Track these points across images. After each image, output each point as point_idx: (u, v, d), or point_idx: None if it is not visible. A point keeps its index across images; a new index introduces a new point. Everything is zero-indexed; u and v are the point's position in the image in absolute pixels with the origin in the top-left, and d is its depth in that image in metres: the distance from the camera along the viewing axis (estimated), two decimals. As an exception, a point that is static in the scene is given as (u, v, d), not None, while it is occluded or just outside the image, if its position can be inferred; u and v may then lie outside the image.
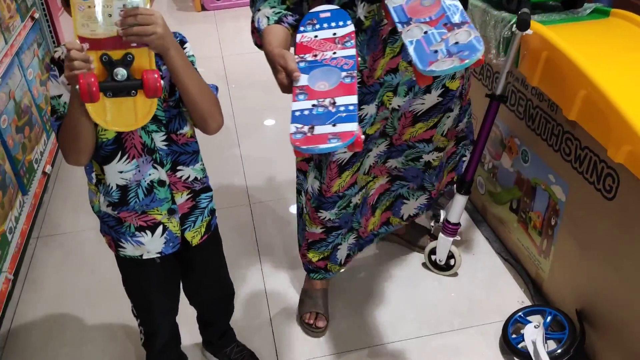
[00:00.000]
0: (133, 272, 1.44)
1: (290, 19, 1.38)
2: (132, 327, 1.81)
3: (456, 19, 1.18)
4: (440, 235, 1.97)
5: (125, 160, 1.23)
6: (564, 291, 1.80)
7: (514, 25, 1.64)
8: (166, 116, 1.24)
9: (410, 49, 1.16)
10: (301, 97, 1.15)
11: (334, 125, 1.08)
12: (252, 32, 1.46)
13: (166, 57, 1.12)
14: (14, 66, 2.42)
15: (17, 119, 2.37)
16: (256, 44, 1.46)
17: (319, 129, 1.08)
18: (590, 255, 1.64)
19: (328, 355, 1.81)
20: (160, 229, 1.33)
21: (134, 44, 1.05)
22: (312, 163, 1.70)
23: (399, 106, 1.63)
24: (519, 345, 1.74)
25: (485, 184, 2.22)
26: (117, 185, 1.26)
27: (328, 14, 1.29)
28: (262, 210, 2.45)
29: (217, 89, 1.30)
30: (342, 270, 1.93)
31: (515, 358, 1.75)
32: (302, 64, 1.22)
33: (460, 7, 1.21)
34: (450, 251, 2.00)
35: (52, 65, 1.17)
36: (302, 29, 1.29)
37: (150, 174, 1.26)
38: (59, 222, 2.45)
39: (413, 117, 1.68)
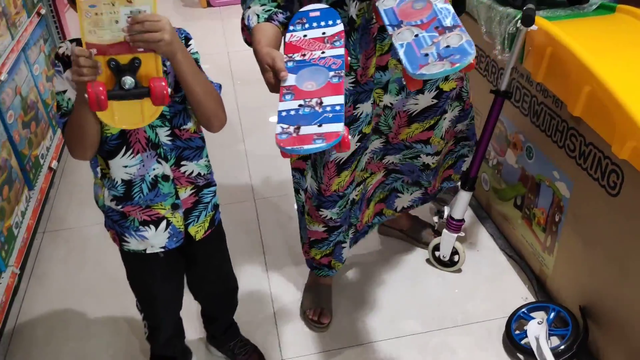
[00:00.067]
0: (137, 266, 1.44)
1: (280, 16, 1.37)
2: (137, 321, 1.82)
3: (448, 22, 1.17)
4: (444, 231, 1.97)
5: (129, 155, 1.24)
6: (568, 288, 1.80)
7: (519, 21, 1.63)
8: (170, 111, 1.25)
9: (401, 52, 1.15)
10: (288, 97, 1.15)
11: (319, 125, 1.07)
12: (242, 30, 1.45)
13: (173, 61, 1.13)
14: (21, 62, 2.44)
15: (23, 115, 2.38)
16: (246, 42, 1.45)
17: (305, 130, 1.07)
18: (594, 252, 1.64)
19: (331, 350, 1.81)
20: (164, 223, 1.33)
21: (141, 49, 1.06)
22: (309, 161, 1.70)
23: (391, 104, 1.63)
24: (522, 342, 1.74)
25: (489, 181, 2.22)
26: (122, 180, 1.27)
27: (318, 13, 1.29)
28: (267, 206, 2.45)
29: (220, 87, 1.31)
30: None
31: (518, 354, 1.75)
32: (290, 64, 1.21)
33: (452, 10, 1.20)
34: (454, 247, 2.00)
35: (56, 61, 1.18)
36: (291, 28, 1.29)
37: (154, 169, 1.27)
38: (65, 217, 2.46)
39: (408, 118, 1.67)
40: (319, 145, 1.04)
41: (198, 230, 1.39)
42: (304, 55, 1.22)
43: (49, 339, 1.91)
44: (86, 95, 1.02)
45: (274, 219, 2.37)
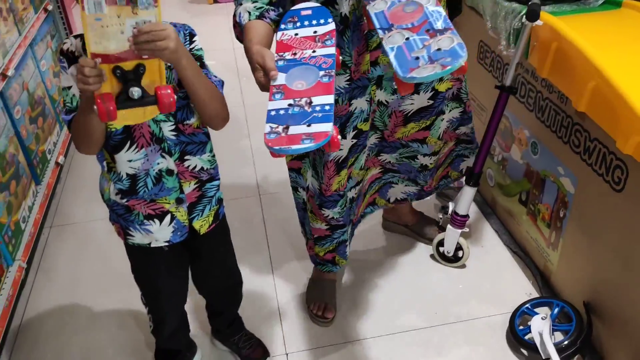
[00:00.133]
0: (141, 260, 1.46)
1: (272, 14, 1.37)
2: (142, 314, 1.83)
3: (439, 25, 1.16)
4: (449, 227, 1.97)
5: (134, 149, 1.25)
6: (572, 283, 1.80)
7: (524, 16, 1.63)
8: (174, 106, 1.25)
9: (391, 56, 1.14)
10: (278, 96, 1.15)
11: (308, 125, 1.07)
12: (234, 27, 1.44)
13: (178, 67, 1.14)
14: (28, 58, 2.45)
15: (30, 110, 2.40)
16: (238, 39, 1.45)
17: (294, 129, 1.07)
18: (598, 248, 1.63)
19: (335, 344, 1.82)
20: (168, 217, 1.34)
21: (146, 56, 1.07)
22: (306, 159, 1.70)
23: (386, 102, 1.62)
24: (526, 337, 1.74)
25: (494, 176, 2.21)
26: (127, 174, 1.28)
27: (309, 12, 1.28)
28: (271, 201, 2.46)
29: (222, 84, 1.32)
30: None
31: (522, 349, 1.75)
32: (280, 62, 1.21)
33: (443, 13, 1.19)
34: (458, 243, 2.00)
35: (61, 57, 1.19)
36: (282, 26, 1.29)
37: (158, 163, 1.28)
38: (71, 212, 2.48)
39: (404, 117, 1.67)
40: (307, 145, 1.03)
41: (202, 225, 1.40)
42: (295, 54, 1.22)
43: (55, 332, 1.92)
44: (95, 107, 1.04)
45: (279, 214, 2.38)
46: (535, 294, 1.93)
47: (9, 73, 2.12)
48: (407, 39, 1.16)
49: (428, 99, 1.65)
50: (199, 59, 1.28)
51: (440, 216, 2.15)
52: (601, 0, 1.78)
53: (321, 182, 1.66)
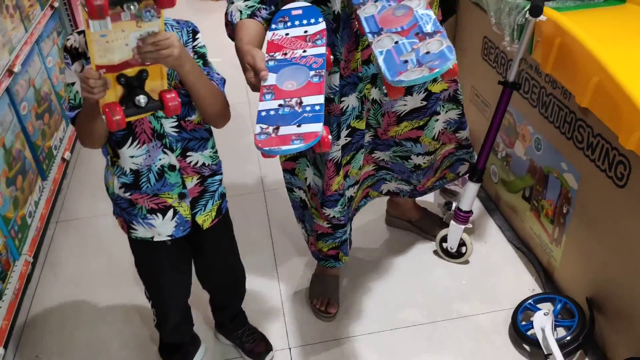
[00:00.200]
0: (144, 254, 1.47)
1: (263, 12, 1.37)
2: (147, 309, 1.84)
3: (428, 28, 1.16)
4: (452, 222, 1.97)
5: (136, 145, 1.26)
6: (575, 279, 1.79)
7: (528, 12, 1.63)
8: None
9: (380, 60, 1.14)
10: (268, 96, 1.15)
11: (298, 125, 1.07)
12: (226, 25, 1.44)
13: (181, 72, 1.16)
14: (34, 54, 2.47)
15: (37, 106, 2.41)
16: (230, 37, 1.45)
17: (284, 130, 1.07)
18: (601, 243, 1.63)
19: (338, 339, 1.83)
20: (170, 212, 1.35)
21: (148, 62, 1.09)
22: (300, 160, 1.70)
23: (380, 101, 1.62)
24: (528, 333, 1.74)
25: (498, 172, 2.21)
26: (130, 170, 1.29)
27: (300, 12, 1.28)
28: (275, 197, 2.47)
29: (224, 82, 1.33)
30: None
31: (524, 345, 1.75)
32: (271, 63, 1.21)
33: (433, 16, 1.19)
34: (461, 239, 2.00)
35: (65, 54, 1.21)
36: (273, 26, 1.29)
37: (160, 159, 1.29)
38: (77, 207, 2.50)
39: (397, 118, 1.68)
40: (297, 145, 1.03)
41: (205, 219, 1.41)
42: (286, 54, 1.22)
43: (61, 326, 1.94)
44: (103, 117, 1.07)
45: (283, 210, 2.38)
46: (538, 290, 1.93)
47: (16, 69, 2.14)
48: (396, 42, 1.16)
49: (421, 100, 1.66)
50: (202, 56, 1.29)
51: (444, 212, 2.15)
52: (605, -5, 1.77)
53: (323, 182, 1.66)
